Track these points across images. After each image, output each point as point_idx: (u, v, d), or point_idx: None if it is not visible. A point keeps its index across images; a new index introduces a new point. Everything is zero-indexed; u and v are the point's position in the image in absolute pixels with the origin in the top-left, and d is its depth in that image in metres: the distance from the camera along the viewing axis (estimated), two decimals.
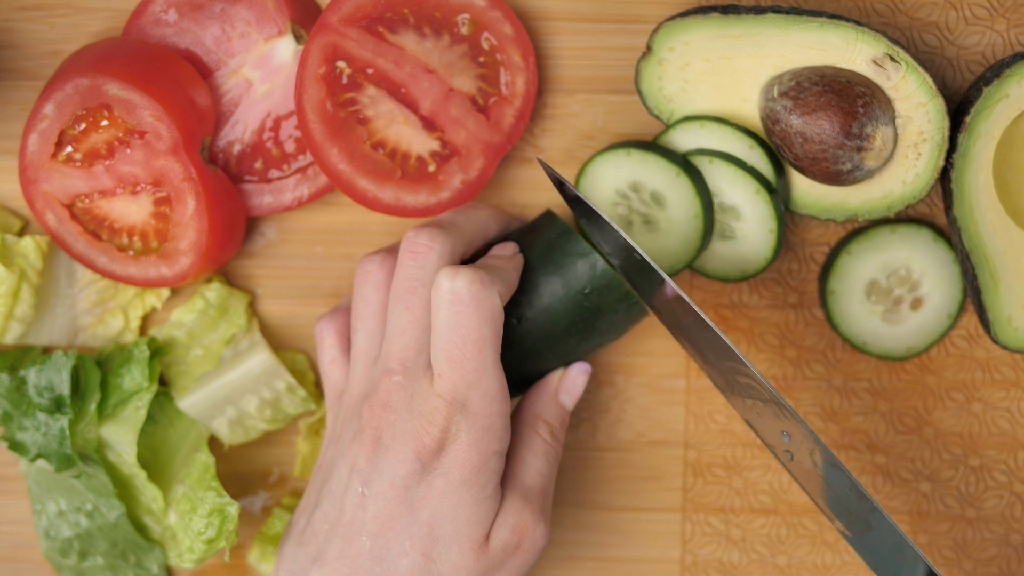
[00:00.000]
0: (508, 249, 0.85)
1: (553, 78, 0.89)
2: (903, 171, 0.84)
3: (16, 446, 0.86)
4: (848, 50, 0.83)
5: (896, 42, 0.82)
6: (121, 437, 0.87)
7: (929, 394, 0.91)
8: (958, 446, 0.91)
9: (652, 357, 0.91)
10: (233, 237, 0.88)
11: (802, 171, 0.84)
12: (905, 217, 0.89)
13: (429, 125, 0.86)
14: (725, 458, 0.91)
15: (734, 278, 0.88)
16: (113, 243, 0.87)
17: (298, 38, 0.87)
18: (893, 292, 0.89)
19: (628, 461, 0.92)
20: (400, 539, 0.80)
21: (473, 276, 0.79)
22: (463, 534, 0.80)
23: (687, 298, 0.79)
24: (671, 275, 0.87)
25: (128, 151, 0.85)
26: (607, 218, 0.81)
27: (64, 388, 0.85)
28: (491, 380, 0.79)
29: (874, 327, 0.89)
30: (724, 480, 0.91)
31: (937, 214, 0.90)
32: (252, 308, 0.91)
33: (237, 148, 0.88)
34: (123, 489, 0.89)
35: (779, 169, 0.86)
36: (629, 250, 0.81)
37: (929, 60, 0.88)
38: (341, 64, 0.86)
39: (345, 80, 0.86)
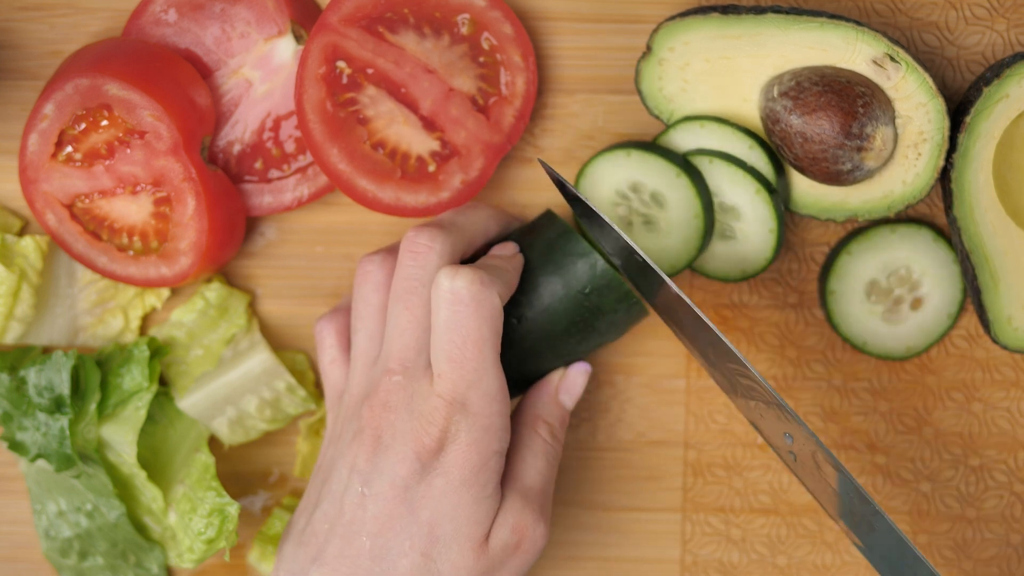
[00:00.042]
0: (508, 249, 0.85)
1: (553, 78, 0.89)
2: (903, 171, 0.84)
3: (16, 446, 0.86)
4: (848, 50, 0.83)
5: (896, 42, 0.82)
6: (121, 437, 0.87)
7: (929, 394, 0.91)
8: (958, 446, 0.91)
9: (652, 357, 0.91)
10: (233, 237, 0.88)
11: (802, 171, 0.84)
12: (905, 217, 0.89)
13: (429, 125, 0.86)
14: (725, 458, 0.91)
15: (734, 278, 0.88)
16: (113, 243, 0.87)
17: (298, 38, 0.87)
18: (893, 292, 0.89)
19: (628, 461, 0.92)
20: (400, 539, 0.80)
21: (473, 276, 0.79)
22: (463, 534, 0.80)
23: (687, 300, 0.79)
24: (671, 275, 0.87)
25: (128, 151, 0.85)
26: (607, 219, 0.81)
27: (64, 388, 0.85)
28: (491, 380, 0.79)
29: (874, 327, 0.89)
30: (724, 480, 0.91)
31: (937, 214, 0.90)
32: (252, 308, 0.91)
33: (237, 148, 0.88)
34: (123, 489, 0.89)
35: (779, 169, 0.86)
36: (629, 251, 0.81)
37: (929, 60, 0.88)
38: (341, 64, 0.86)
39: (345, 80, 0.86)
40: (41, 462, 0.89)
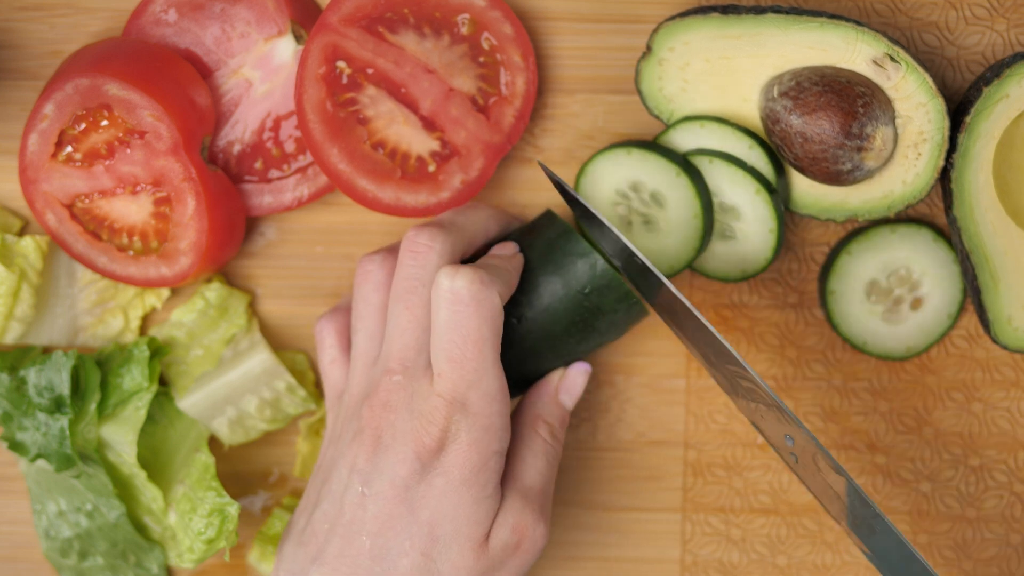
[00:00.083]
0: (508, 249, 0.85)
1: (553, 78, 0.89)
2: (903, 171, 0.84)
3: (16, 446, 0.86)
4: (848, 50, 0.83)
5: (896, 42, 0.82)
6: (121, 437, 0.87)
7: (929, 394, 0.91)
8: (958, 446, 0.91)
9: (652, 357, 0.91)
10: (233, 237, 0.88)
11: (802, 171, 0.84)
12: (905, 217, 0.89)
13: (429, 125, 0.86)
14: (725, 458, 0.91)
15: (734, 278, 0.88)
16: (113, 243, 0.87)
17: (298, 38, 0.87)
18: (893, 292, 0.89)
19: (628, 461, 0.92)
20: (400, 539, 0.80)
21: (473, 275, 0.79)
22: (463, 534, 0.80)
23: (687, 302, 0.79)
24: (671, 275, 0.87)
25: (128, 151, 0.85)
26: (606, 221, 0.81)
27: (64, 388, 0.85)
28: (491, 380, 0.79)
29: (874, 327, 0.89)
30: (724, 480, 0.91)
31: (937, 214, 0.90)
32: (252, 308, 0.91)
33: (237, 148, 0.88)
34: (123, 489, 0.89)
35: (779, 169, 0.86)
36: (629, 252, 0.81)
37: (929, 60, 0.88)
38: (341, 64, 0.86)
39: (345, 80, 0.86)
40: (41, 462, 0.89)
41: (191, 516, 0.85)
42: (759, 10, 0.83)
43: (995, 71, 0.83)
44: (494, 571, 0.81)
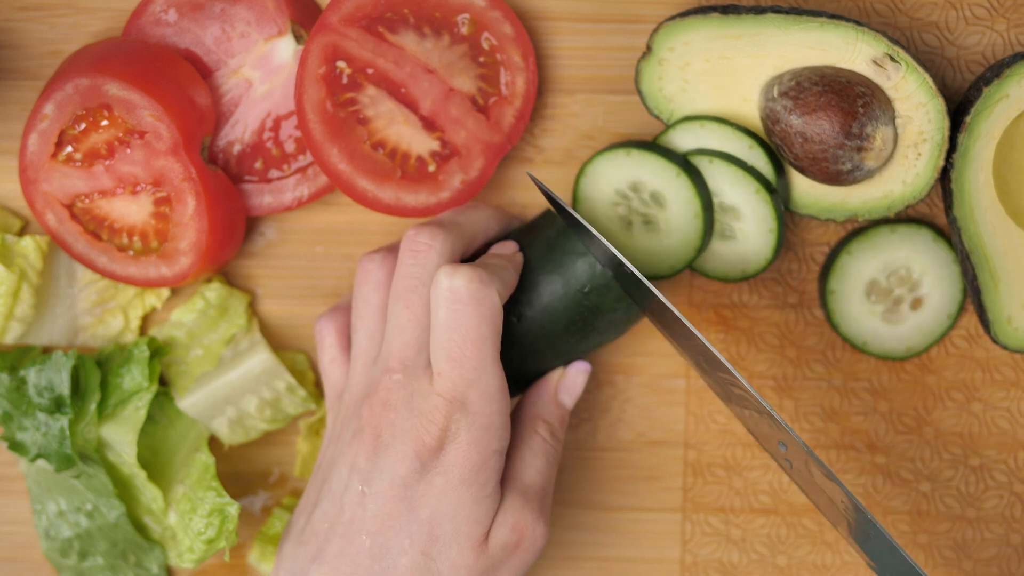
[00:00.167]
0: (507, 248, 0.85)
1: (553, 78, 0.89)
2: (903, 171, 0.84)
3: (16, 446, 0.86)
4: (848, 50, 0.83)
5: (896, 42, 0.82)
6: (121, 437, 0.87)
7: (929, 394, 0.91)
8: (958, 446, 0.91)
9: (652, 357, 0.91)
10: (233, 237, 0.88)
11: (802, 171, 0.84)
12: (905, 217, 0.89)
13: (429, 125, 0.86)
14: (725, 458, 0.91)
15: (734, 278, 0.88)
16: (113, 243, 0.87)
17: (298, 38, 0.87)
18: (893, 292, 0.89)
19: (628, 461, 0.92)
20: (400, 538, 0.80)
21: (472, 274, 0.79)
22: (463, 533, 0.80)
23: (676, 311, 0.79)
24: (671, 275, 0.87)
25: (128, 151, 0.85)
26: (595, 232, 0.80)
27: (64, 388, 0.85)
28: (491, 379, 0.79)
29: (874, 327, 0.89)
30: (724, 480, 0.91)
31: (937, 214, 0.90)
32: (252, 308, 0.91)
33: (237, 148, 0.88)
34: (123, 489, 0.89)
35: (779, 169, 0.86)
36: (619, 261, 0.81)
37: (929, 60, 0.88)
38: (341, 64, 0.86)
39: (345, 80, 0.86)
40: (41, 462, 0.89)
41: (191, 516, 0.85)
42: (759, 10, 0.83)
43: (995, 71, 0.83)
44: (494, 570, 0.81)
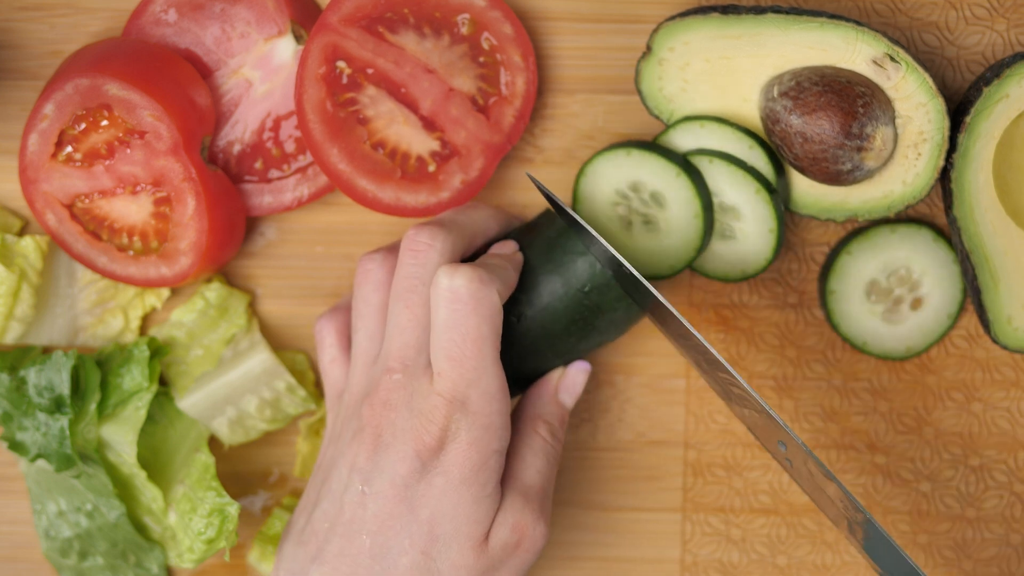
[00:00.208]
0: (507, 247, 0.85)
1: (553, 78, 0.89)
2: (903, 171, 0.84)
3: (16, 446, 0.86)
4: (848, 50, 0.83)
5: (896, 42, 0.82)
6: (121, 437, 0.87)
7: (929, 394, 0.91)
8: (958, 446, 0.91)
9: (652, 357, 0.91)
10: (233, 237, 0.88)
11: (802, 171, 0.84)
12: (905, 217, 0.89)
13: (429, 125, 0.86)
14: (725, 458, 0.91)
15: (734, 278, 0.88)
16: (113, 243, 0.87)
17: (298, 38, 0.87)
18: (893, 292, 0.89)
19: (628, 461, 0.92)
20: (400, 537, 0.80)
21: (472, 274, 0.79)
22: (463, 533, 0.80)
23: (674, 310, 0.79)
24: (671, 275, 0.87)
25: (128, 151, 0.85)
26: (594, 232, 0.80)
27: (64, 388, 0.85)
28: (491, 378, 0.79)
29: (874, 327, 0.89)
30: (724, 480, 0.91)
31: (937, 214, 0.90)
32: (252, 308, 0.91)
33: (237, 148, 0.88)
34: (123, 489, 0.89)
35: (779, 169, 0.86)
36: (619, 262, 0.81)
37: (929, 60, 0.88)
38: (341, 64, 0.86)
39: (345, 80, 0.86)
40: (41, 462, 0.89)
41: (191, 516, 0.85)
42: (759, 10, 0.83)
43: (995, 71, 0.83)
44: (494, 570, 0.81)
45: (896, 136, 0.83)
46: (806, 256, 0.90)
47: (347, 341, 0.87)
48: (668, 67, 0.86)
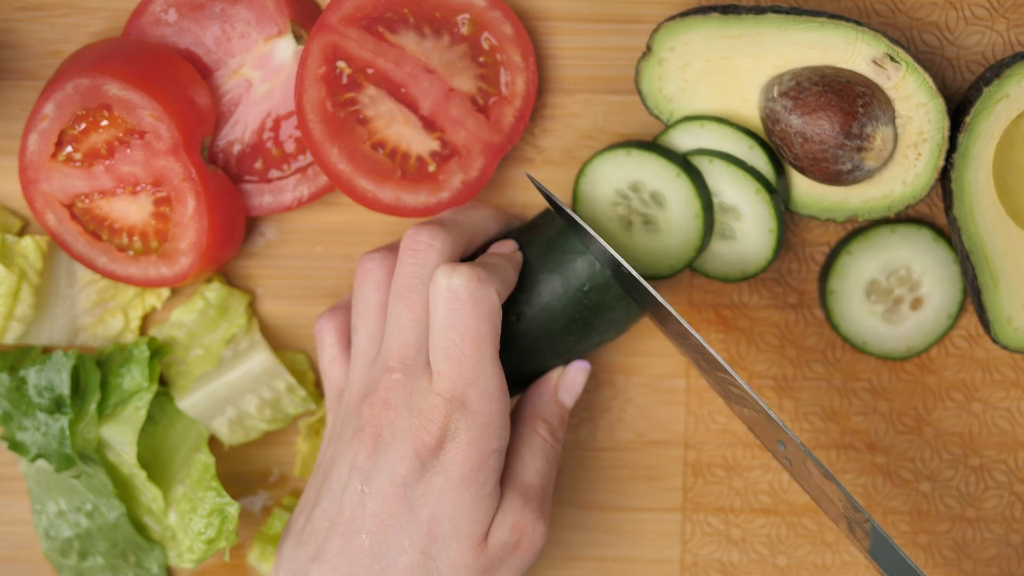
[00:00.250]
0: (507, 247, 0.85)
1: (553, 78, 0.89)
2: (903, 171, 0.84)
3: (16, 446, 0.86)
4: (848, 50, 0.83)
5: (896, 42, 0.82)
6: (121, 437, 0.87)
7: (929, 394, 0.91)
8: (958, 446, 0.91)
9: (652, 357, 0.91)
10: (233, 237, 0.88)
11: (802, 171, 0.84)
12: (905, 217, 0.89)
13: (429, 125, 0.86)
14: (725, 458, 0.91)
15: (734, 278, 0.88)
16: (113, 243, 0.87)
17: (298, 38, 0.87)
18: (893, 292, 0.89)
19: (628, 461, 0.92)
20: (399, 537, 0.80)
21: (470, 273, 0.79)
22: (462, 532, 0.80)
23: (673, 310, 0.79)
24: (671, 275, 0.87)
25: (128, 151, 0.85)
26: (593, 232, 0.80)
27: (64, 388, 0.85)
28: (490, 378, 0.79)
29: (874, 327, 0.89)
30: (724, 480, 0.91)
31: (937, 214, 0.90)
32: (252, 308, 0.91)
33: (237, 148, 0.88)
34: (123, 489, 0.89)
35: (779, 169, 0.86)
36: (618, 262, 0.81)
37: (929, 60, 0.88)
38: (341, 64, 0.86)
39: (345, 80, 0.86)
40: (41, 462, 0.89)
41: (191, 516, 0.85)
42: (759, 10, 0.83)
43: (995, 71, 0.83)
44: (493, 570, 0.81)
45: (896, 136, 0.83)
46: (806, 256, 0.90)
47: (347, 340, 0.87)
48: (668, 67, 0.86)
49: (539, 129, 0.89)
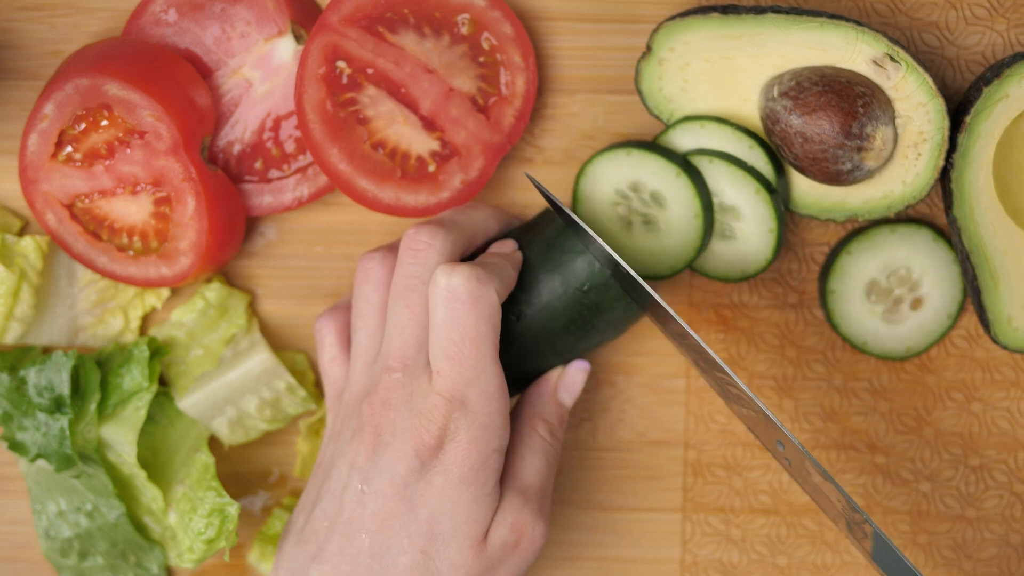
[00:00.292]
0: (507, 246, 0.85)
1: (553, 78, 0.89)
2: (903, 171, 0.84)
3: (16, 446, 0.86)
4: (848, 50, 0.83)
5: (896, 42, 0.82)
6: (121, 437, 0.87)
7: (929, 394, 0.91)
8: (958, 446, 0.91)
9: (652, 357, 0.91)
10: (233, 237, 0.88)
11: (802, 171, 0.84)
12: (905, 217, 0.89)
13: (429, 125, 0.86)
14: (725, 458, 0.91)
15: (734, 278, 0.88)
16: (113, 243, 0.87)
17: (298, 38, 0.87)
18: (893, 292, 0.89)
19: (628, 461, 0.92)
20: (399, 537, 0.80)
21: (470, 273, 0.79)
22: (462, 532, 0.80)
23: (673, 312, 0.79)
24: (671, 275, 0.87)
25: (128, 151, 0.85)
26: (592, 232, 0.80)
27: (64, 388, 0.85)
28: (490, 377, 0.79)
29: (874, 327, 0.89)
30: (724, 480, 0.91)
31: (937, 214, 0.90)
32: (252, 308, 0.91)
33: (237, 148, 0.88)
34: (123, 489, 0.89)
35: (779, 169, 0.86)
36: (617, 262, 0.81)
37: (929, 60, 0.88)
38: (341, 64, 0.86)
39: (345, 80, 0.86)
40: (41, 462, 0.89)
41: (191, 516, 0.85)
42: (759, 10, 0.83)
43: (995, 71, 0.83)
44: (493, 569, 0.81)
45: (896, 136, 0.83)
46: (806, 256, 0.90)
47: (347, 340, 0.87)
48: (668, 67, 0.86)
49: (539, 129, 0.89)
